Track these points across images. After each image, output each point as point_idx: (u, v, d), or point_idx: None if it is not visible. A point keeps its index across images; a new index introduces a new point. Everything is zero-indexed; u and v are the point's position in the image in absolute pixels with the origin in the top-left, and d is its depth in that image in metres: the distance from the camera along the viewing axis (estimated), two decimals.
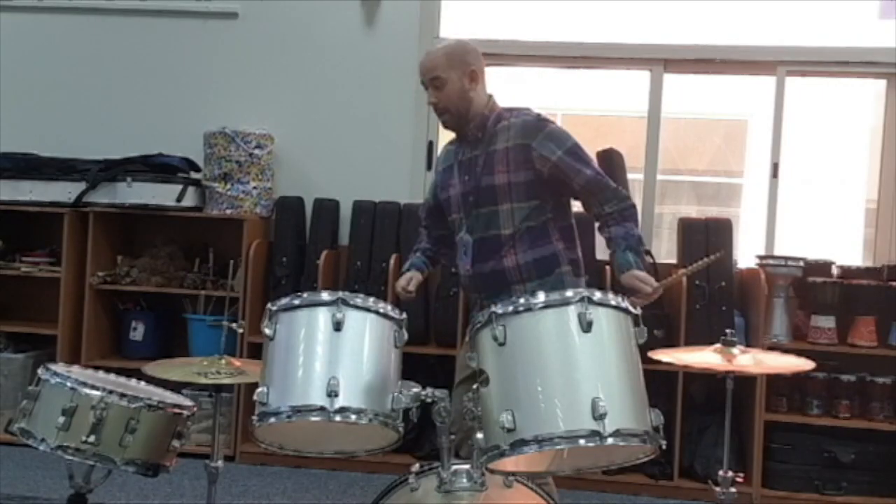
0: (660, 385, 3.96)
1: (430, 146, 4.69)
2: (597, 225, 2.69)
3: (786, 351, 3.88)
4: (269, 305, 2.10)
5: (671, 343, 4.02)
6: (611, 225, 2.63)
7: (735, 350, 2.51)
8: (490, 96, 2.75)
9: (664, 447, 1.90)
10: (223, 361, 2.56)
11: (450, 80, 2.65)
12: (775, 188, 4.51)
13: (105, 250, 4.55)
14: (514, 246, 2.63)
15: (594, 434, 1.79)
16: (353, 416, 1.98)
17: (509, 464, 1.97)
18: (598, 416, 1.78)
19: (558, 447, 1.82)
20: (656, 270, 4.30)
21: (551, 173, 2.61)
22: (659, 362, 2.49)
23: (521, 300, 1.92)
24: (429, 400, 2.06)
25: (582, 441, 1.79)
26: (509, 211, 2.63)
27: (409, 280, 2.84)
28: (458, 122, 2.72)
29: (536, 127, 2.65)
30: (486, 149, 2.67)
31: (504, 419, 1.82)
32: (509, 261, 2.63)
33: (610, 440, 1.78)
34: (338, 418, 1.96)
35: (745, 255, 4.49)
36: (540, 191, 2.63)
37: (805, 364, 2.57)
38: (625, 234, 2.60)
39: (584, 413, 1.79)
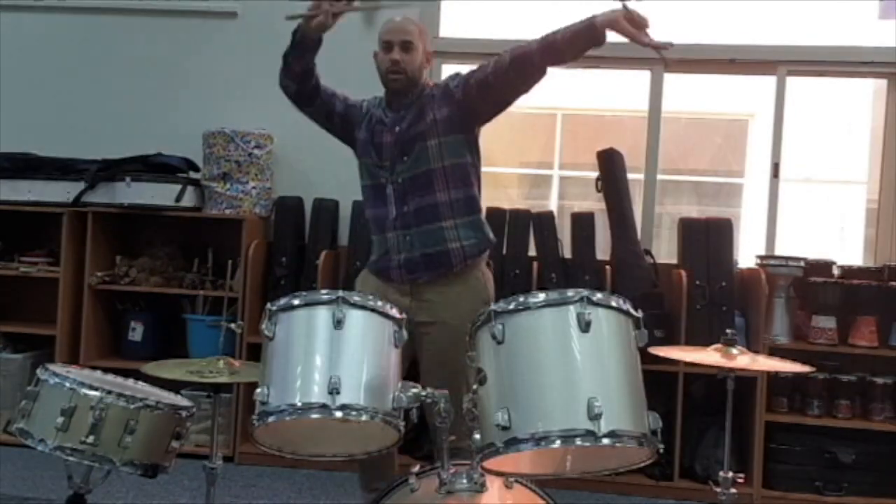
0: (660, 385, 3.95)
1: None
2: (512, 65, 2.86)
3: (786, 351, 3.90)
4: (268, 306, 2.10)
5: (671, 343, 4.00)
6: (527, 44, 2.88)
7: (735, 350, 2.50)
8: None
9: (661, 451, 1.89)
10: (222, 362, 2.55)
11: (416, 49, 2.93)
12: (776, 188, 4.50)
13: (104, 250, 4.54)
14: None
15: (589, 434, 1.78)
16: (356, 414, 1.97)
17: (510, 465, 1.97)
18: (594, 416, 1.78)
19: (552, 446, 1.81)
20: (657, 270, 4.31)
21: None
22: (659, 362, 2.48)
23: (521, 298, 1.92)
24: (428, 400, 2.05)
25: (577, 441, 1.79)
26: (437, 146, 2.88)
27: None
28: (407, 87, 2.92)
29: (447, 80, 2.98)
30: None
31: (500, 417, 1.81)
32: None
33: (605, 440, 1.78)
34: (339, 415, 1.95)
35: (746, 255, 4.48)
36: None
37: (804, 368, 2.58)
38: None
39: (580, 412, 1.79)
